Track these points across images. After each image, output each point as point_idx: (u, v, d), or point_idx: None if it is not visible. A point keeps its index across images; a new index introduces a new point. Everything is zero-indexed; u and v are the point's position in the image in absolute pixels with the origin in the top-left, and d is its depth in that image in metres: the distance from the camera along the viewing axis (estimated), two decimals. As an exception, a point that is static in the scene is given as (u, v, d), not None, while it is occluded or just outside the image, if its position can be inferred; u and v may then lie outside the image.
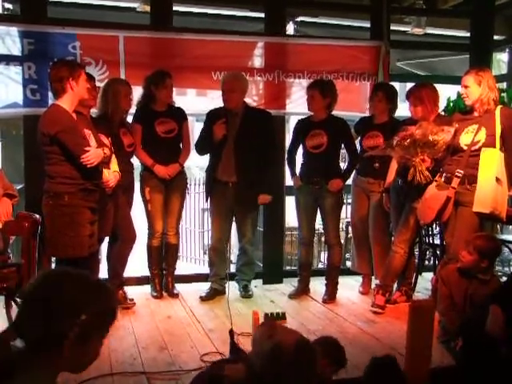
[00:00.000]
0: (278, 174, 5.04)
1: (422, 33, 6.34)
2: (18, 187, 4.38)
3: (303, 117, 4.73)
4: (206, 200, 4.75)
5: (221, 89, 4.42)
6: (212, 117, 4.48)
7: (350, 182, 4.77)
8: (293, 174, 4.67)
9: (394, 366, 2.33)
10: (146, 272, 4.72)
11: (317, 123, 4.50)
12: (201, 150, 4.59)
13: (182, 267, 5.98)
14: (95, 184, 3.57)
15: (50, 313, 1.40)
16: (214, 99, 4.73)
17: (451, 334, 3.32)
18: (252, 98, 5.00)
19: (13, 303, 3.71)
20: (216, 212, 4.65)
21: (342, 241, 6.72)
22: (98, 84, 4.15)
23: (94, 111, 4.16)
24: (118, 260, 4.29)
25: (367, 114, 5.04)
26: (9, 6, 5.40)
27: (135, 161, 4.52)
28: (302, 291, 4.72)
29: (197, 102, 5.03)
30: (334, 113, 4.58)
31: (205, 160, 4.72)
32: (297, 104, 5.11)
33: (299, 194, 4.64)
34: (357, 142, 4.73)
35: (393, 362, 2.36)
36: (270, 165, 4.54)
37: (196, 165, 9.23)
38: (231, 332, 3.00)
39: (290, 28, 6.02)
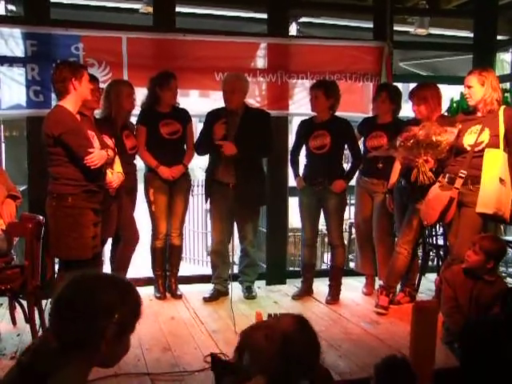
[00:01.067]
0: (281, 174, 5.04)
1: (425, 33, 6.33)
2: (22, 188, 4.39)
3: (306, 118, 4.73)
4: (206, 201, 4.74)
5: (222, 89, 4.43)
6: (212, 117, 4.48)
7: (353, 182, 4.77)
8: (296, 174, 4.67)
9: (406, 365, 2.31)
10: (150, 273, 4.72)
11: (320, 124, 4.49)
12: (200, 151, 4.59)
13: (186, 268, 5.99)
14: (99, 185, 3.57)
15: (86, 315, 1.47)
16: (216, 100, 4.73)
17: (455, 336, 3.31)
18: (255, 99, 5.00)
19: (16, 304, 3.72)
20: (216, 214, 4.64)
21: (346, 241, 6.71)
22: (101, 85, 4.15)
23: (97, 112, 4.16)
24: (119, 262, 4.29)
25: (370, 114, 5.03)
26: (12, 7, 5.41)
27: (139, 162, 4.53)
28: (306, 292, 4.72)
29: (199, 103, 5.04)
30: (337, 114, 4.57)
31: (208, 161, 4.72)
32: (300, 105, 5.11)
33: (302, 194, 4.64)
34: (360, 143, 4.73)
35: (404, 361, 2.35)
36: (263, 154, 4.57)
37: (199, 166, 9.22)
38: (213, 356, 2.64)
39: (293, 29, 6.02)
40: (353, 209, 5.19)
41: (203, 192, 5.03)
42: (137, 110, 4.48)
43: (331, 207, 4.51)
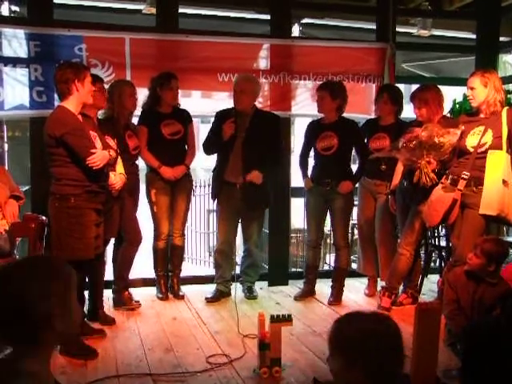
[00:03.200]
0: (283, 175, 5.04)
1: (428, 34, 6.32)
2: (24, 189, 4.40)
3: (314, 119, 4.74)
4: (214, 201, 4.74)
5: (233, 89, 4.44)
6: (221, 116, 4.48)
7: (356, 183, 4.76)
8: (304, 175, 4.67)
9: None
10: (152, 274, 4.72)
11: (327, 125, 4.50)
12: (208, 150, 4.59)
13: (188, 269, 5.99)
14: (101, 186, 3.57)
15: (25, 310, 1.47)
16: (219, 101, 4.75)
17: (457, 337, 3.31)
18: (258, 100, 4.99)
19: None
20: (223, 214, 4.64)
21: (348, 242, 6.66)
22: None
23: (99, 113, 4.16)
24: (123, 262, 4.30)
25: (372, 115, 5.03)
26: (15, 8, 5.41)
27: (141, 162, 4.53)
28: (308, 293, 4.72)
29: (202, 104, 5.04)
30: (340, 114, 4.58)
31: (210, 161, 4.72)
32: (302, 106, 5.12)
33: (310, 195, 4.64)
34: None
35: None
36: (273, 163, 4.54)
37: (201, 166, 9.22)
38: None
39: (296, 30, 6.01)
40: (355, 210, 5.18)
41: (206, 192, 5.05)
42: (138, 111, 4.49)
43: (337, 208, 4.52)
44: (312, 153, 4.64)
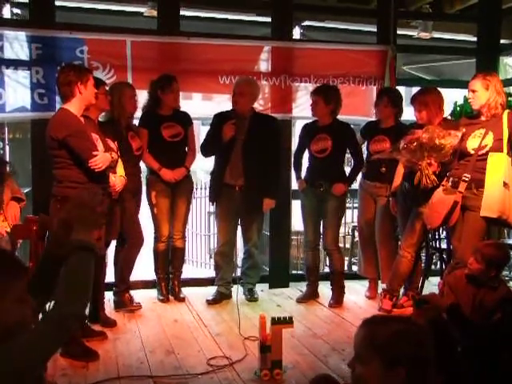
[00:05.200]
0: (284, 178, 5.05)
1: (429, 37, 6.34)
2: (26, 191, 4.40)
3: (309, 121, 4.75)
4: (213, 203, 4.75)
5: (232, 91, 4.45)
6: (220, 119, 4.50)
7: (356, 186, 4.77)
8: (298, 177, 4.69)
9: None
10: (153, 276, 4.72)
11: (322, 128, 4.51)
12: (206, 152, 4.61)
13: (189, 271, 5.99)
14: (103, 188, 3.57)
15: None
16: (220, 103, 4.76)
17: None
18: (258, 102, 5.00)
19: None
20: (222, 216, 4.65)
21: (349, 245, 6.68)
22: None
23: (100, 116, 4.17)
24: (124, 264, 4.30)
25: (373, 118, 5.03)
26: (17, 10, 5.43)
27: (142, 165, 4.54)
28: (311, 296, 4.72)
29: (203, 106, 5.05)
30: (340, 117, 4.59)
31: (210, 163, 4.73)
32: (303, 108, 5.11)
33: (304, 197, 4.65)
34: (363, 147, 4.73)
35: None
36: (275, 170, 4.56)
37: (202, 168, 9.23)
38: None
39: (297, 32, 6.03)
40: (356, 212, 5.19)
41: (206, 195, 5.06)
42: (139, 113, 4.50)
43: (329, 210, 4.53)
44: (306, 154, 4.66)
